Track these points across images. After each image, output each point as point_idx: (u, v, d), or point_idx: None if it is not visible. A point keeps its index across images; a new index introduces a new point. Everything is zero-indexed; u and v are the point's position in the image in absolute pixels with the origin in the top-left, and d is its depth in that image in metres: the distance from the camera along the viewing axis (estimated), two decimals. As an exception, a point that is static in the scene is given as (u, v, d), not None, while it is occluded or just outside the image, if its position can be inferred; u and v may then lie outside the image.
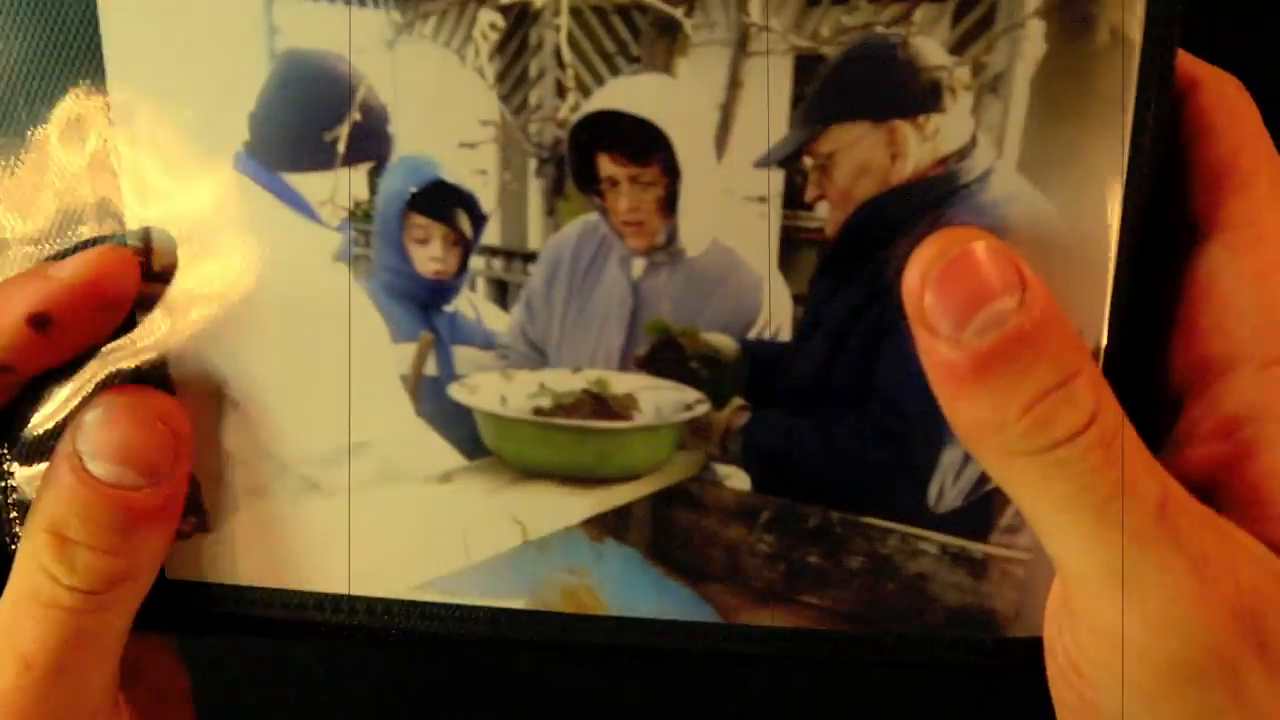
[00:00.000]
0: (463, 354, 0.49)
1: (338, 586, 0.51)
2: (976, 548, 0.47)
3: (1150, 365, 0.46)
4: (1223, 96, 0.45)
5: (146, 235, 0.47)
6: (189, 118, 0.46)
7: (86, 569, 0.44)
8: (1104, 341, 0.44)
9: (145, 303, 0.48)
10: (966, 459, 0.46)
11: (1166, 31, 0.42)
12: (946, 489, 0.46)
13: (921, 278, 0.40)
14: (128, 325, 0.47)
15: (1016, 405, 0.38)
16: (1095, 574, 0.37)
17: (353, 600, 0.51)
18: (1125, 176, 0.43)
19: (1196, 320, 0.44)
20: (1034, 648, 0.47)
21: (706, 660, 0.57)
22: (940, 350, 0.39)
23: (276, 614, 0.51)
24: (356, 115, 0.45)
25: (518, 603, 0.51)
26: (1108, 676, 0.39)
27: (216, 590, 0.51)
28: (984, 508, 0.47)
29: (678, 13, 0.43)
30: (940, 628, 0.48)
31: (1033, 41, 0.42)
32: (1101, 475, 0.38)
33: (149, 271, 0.48)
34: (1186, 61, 0.45)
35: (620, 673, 0.87)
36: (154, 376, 0.48)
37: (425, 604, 0.51)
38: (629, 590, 0.50)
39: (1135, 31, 0.42)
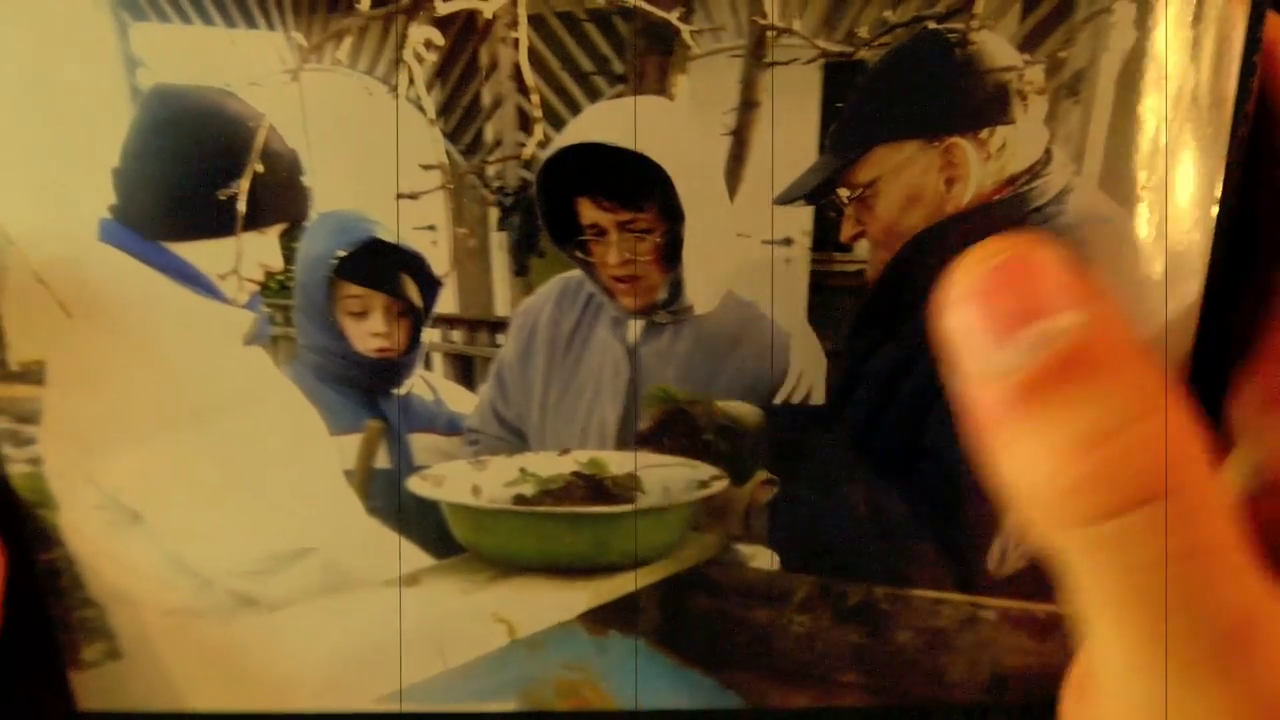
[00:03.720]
0: (421, 441, 0.40)
1: (291, 704, 0.43)
2: (1041, 608, 0.41)
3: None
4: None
5: (-4, 327, 0.37)
6: (35, 182, 0.35)
7: None
8: (1190, 374, 0.37)
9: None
10: (1033, 520, 0.39)
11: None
12: (1009, 552, 0.40)
13: (958, 292, 0.28)
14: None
15: (1065, 445, 0.26)
16: (1135, 702, 0.28)
17: (310, 718, 0.43)
18: (1223, 183, 0.35)
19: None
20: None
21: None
22: (976, 378, 0.27)
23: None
24: (258, 166, 0.35)
25: (508, 704, 0.43)
26: None
27: (138, 720, 0.43)
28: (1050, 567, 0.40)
29: (672, 16, 0.33)
30: (999, 693, 0.42)
31: (1121, 30, 0.34)
32: (1156, 570, 0.26)
33: (5, 370, 0.37)
34: None
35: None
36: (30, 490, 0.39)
37: (396, 715, 0.43)
38: (639, 683, 0.43)
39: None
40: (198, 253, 0.36)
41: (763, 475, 0.40)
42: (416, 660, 0.43)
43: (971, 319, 0.27)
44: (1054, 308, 0.26)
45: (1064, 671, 0.42)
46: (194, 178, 0.35)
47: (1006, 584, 0.41)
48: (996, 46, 0.34)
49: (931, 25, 0.34)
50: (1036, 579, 0.41)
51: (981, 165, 0.35)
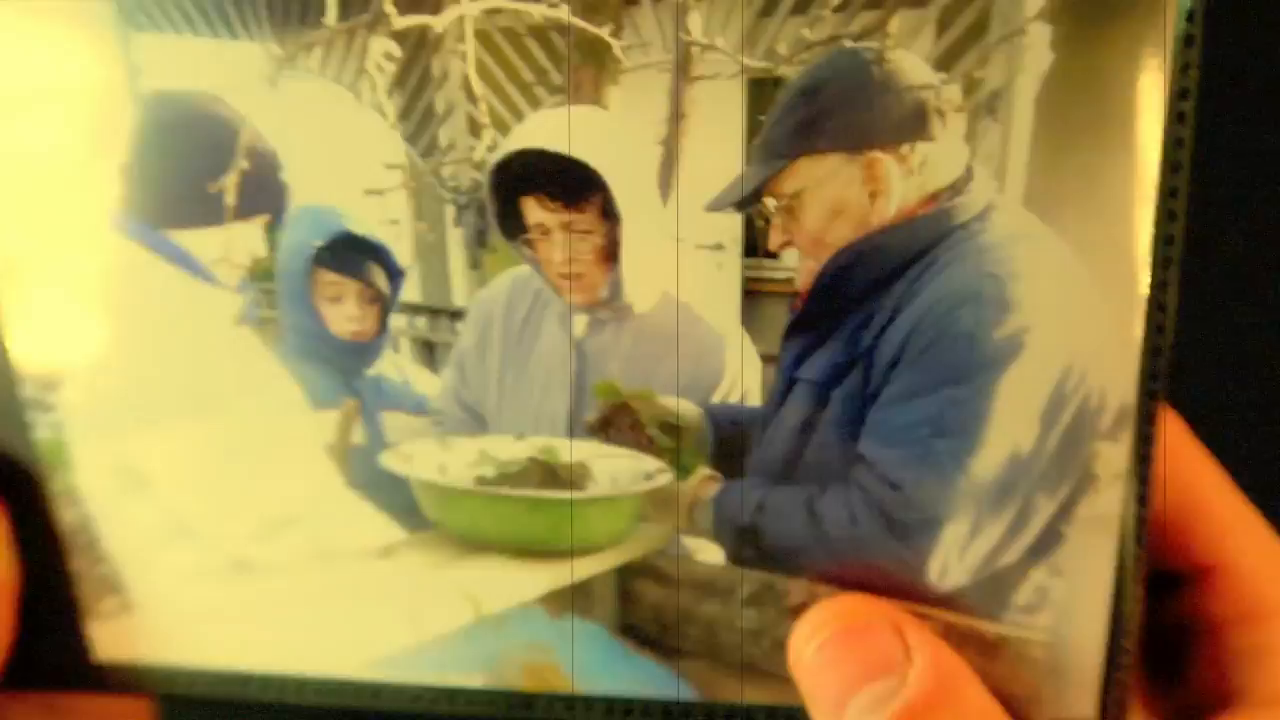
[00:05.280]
0: (393, 420, 0.43)
1: (282, 666, 0.46)
2: (988, 628, 0.41)
3: None
4: None
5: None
6: (53, 177, 0.40)
7: None
8: (1134, 400, 0.37)
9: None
10: (972, 534, 0.39)
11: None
12: (951, 565, 0.40)
13: (805, 652, 0.36)
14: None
15: None
16: None
17: (300, 680, 0.46)
18: (1158, 202, 0.35)
19: None
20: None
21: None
22: None
23: (216, 692, 0.47)
24: (244, 163, 0.39)
25: (474, 680, 0.46)
26: None
27: (147, 671, 0.47)
28: (997, 585, 0.40)
29: (604, 32, 0.36)
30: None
31: (1036, 51, 0.34)
32: None
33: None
34: None
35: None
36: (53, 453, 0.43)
37: (376, 684, 0.46)
38: (598, 667, 0.45)
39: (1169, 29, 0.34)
40: (194, 241, 0.41)
41: (705, 471, 0.41)
42: (394, 632, 0.46)
43: (820, 680, 0.35)
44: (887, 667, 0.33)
45: (1012, 696, 0.42)
46: (189, 173, 0.39)
47: (951, 598, 0.41)
48: (912, 65, 0.35)
49: (847, 44, 0.35)
50: (983, 596, 0.41)
51: (903, 180, 0.36)
